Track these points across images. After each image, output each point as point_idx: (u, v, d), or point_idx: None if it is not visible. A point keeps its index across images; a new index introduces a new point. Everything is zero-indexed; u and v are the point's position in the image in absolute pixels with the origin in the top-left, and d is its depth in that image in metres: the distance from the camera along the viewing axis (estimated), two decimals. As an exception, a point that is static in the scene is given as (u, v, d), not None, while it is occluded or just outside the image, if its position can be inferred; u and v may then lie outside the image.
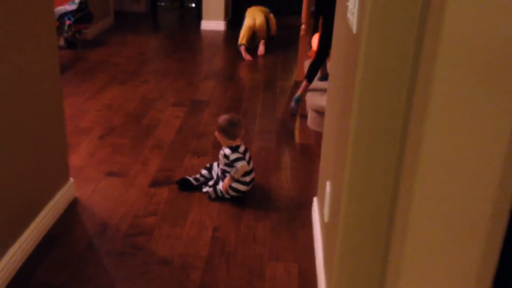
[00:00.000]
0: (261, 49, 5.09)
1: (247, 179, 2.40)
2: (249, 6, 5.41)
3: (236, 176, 2.36)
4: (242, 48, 4.93)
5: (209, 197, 2.39)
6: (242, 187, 2.38)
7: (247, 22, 5.07)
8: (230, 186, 2.36)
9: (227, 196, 2.38)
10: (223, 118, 2.42)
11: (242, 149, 2.41)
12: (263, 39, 5.14)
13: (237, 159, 2.36)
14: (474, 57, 1.02)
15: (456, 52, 1.03)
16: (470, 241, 1.20)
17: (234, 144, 2.41)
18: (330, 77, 2.05)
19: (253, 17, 5.14)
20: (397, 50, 1.26)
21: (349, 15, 1.47)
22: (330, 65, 2.09)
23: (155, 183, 2.51)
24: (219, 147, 2.81)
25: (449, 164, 1.13)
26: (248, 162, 2.42)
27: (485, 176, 1.13)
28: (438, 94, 1.08)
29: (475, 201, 1.15)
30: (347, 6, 1.52)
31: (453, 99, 1.06)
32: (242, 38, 4.99)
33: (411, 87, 1.25)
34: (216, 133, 2.44)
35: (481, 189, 1.14)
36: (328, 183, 1.77)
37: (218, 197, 2.39)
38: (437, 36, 1.05)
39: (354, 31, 1.38)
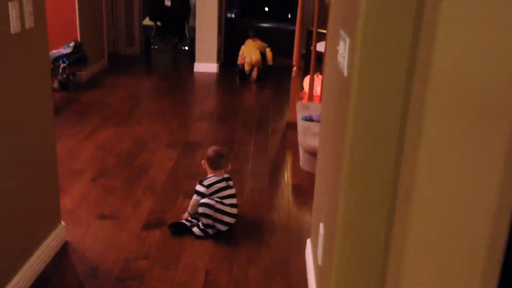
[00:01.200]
0: (254, 74, 5.60)
1: (225, 217, 2.41)
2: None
3: (189, 210, 2.48)
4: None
5: (196, 236, 2.38)
6: (220, 225, 2.41)
7: (243, 59, 5.60)
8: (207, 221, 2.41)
9: (210, 232, 2.40)
10: (212, 149, 2.56)
11: (212, 180, 2.46)
12: (258, 68, 5.63)
13: (195, 191, 2.48)
14: (463, 96, 1.04)
15: (445, 92, 1.05)
16: (470, 261, 1.18)
17: (216, 174, 2.48)
18: (321, 119, 2.07)
19: (250, 55, 5.56)
20: (388, 92, 1.28)
21: (339, 58, 1.51)
22: (321, 106, 2.12)
23: (147, 226, 2.49)
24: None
25: (442, 206, 1.14)
26: (224, 197, 2.44)
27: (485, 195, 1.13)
28: (429, 135, 1.09)
29: (473, 233, 1.15)
30: (337, 50, 1.55)
31: (445, 138, 1.08)
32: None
33: (402, 129, 1.27)
34: (202, 161, 2.57)
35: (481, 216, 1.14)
36: (321, 225, 1.76)
37: (205, 235, 2.38)
38: (426, 77, 1.07)
39: (345, 74, 1.41)
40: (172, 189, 2.90)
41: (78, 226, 2.46)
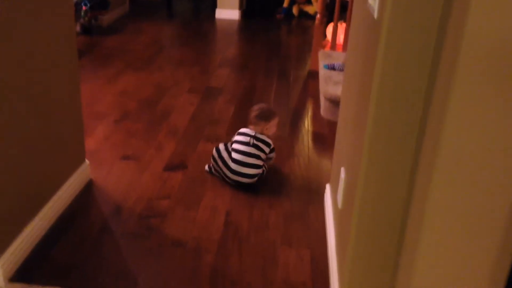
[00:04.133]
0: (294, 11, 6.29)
1: (225, 168, 2.40)
2: None
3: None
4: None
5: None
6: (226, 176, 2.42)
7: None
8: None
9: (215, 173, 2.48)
10: (258, 105, 2.59)
11: (240, 130, 2.48)
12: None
13: None
14: (497, 54, 1.01)
15: (479, 47, 1.01)
16: (487, 234, 1.19)
17: (250, 128, 2.48)
18: (347, 65, 2.04)
19: None
20: (420, 36, 1.24)
21: (369, 0, 1.46)
22: (347, 52, 2.09)
23: (169, 168, 2.53)
24: (233, 134, 2.81)
25: (469, 155, 1.12)
26: (235, 150, 2.39)
27: (505, 171, 1.12)
28: (460, 84, 1.05)
29: (493, 193, 1.14)
30: (367, -9, 1.51)
31: (476, 91, 1.05)
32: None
33: (433, 75, 1.24)
34: None
35: (500, 183, 1.12)
36: (342, 169, 1.77)
37: (210, 171, 2.51)
38: (461, 23, 1.04)
39: (375, 16, 1.37)
40: (194, 133, 2.92)
41: (102, 166, 2.51)
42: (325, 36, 4.44)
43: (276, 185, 2.45)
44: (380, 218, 1.46)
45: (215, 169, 2.45)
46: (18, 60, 1.73)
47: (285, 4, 6.27)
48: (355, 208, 1.47)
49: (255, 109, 2.50)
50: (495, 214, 1.16)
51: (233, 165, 2.35)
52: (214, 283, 1.79)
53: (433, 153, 1.17)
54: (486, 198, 1.15)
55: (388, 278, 1.53)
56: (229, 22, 5.82)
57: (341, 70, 3.53)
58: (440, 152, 1.13)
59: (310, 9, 6.24)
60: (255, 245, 2.00)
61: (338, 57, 3.84)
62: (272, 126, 2.50)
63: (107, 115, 3.10)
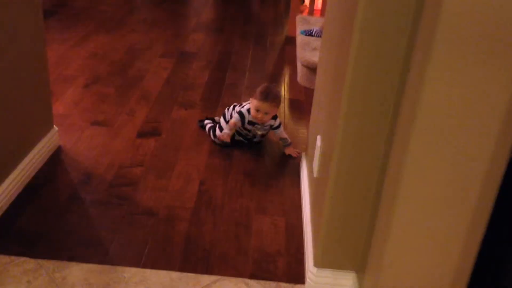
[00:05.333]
0: None
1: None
2: None
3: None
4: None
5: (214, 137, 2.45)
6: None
7: None
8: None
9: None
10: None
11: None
12: None
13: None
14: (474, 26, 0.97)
15: (457, 19, 0.98)
16: (460, 200, 1.19)
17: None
18: (325, 31, 1.98)
19: None
20: (400, 0, 1.20)
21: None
22: (325, 18, 2.02)
23: (141, 134, 2.46)
24: (207, 100, 2.75)
25: (444, 123, 1.10)
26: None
27: (482, 135, 1.10)
28: (438, 52, 1.03)
29: (469, 157, 1.13)
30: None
31: (453, 59, 1.03)
32: None
33: (412, 41, 1.21)
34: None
35: (476, 150, 1.12)
36: (318, 138, 1.73)
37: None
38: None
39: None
40: (167, 99, 2.84)
41: (71, 132, 2.43)
42: (303, 1, 4.35)
43: (251, 153, 2.41)
44: (356, 187, 1.45)
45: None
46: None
47: None
48: (330, 176, 1.45)
49: (260, 87, 2.33)
50: (470, 179, 1.16)
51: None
52: (187, 252, 1.76)
53: (410, 121, 1.15)
54: (461, 163, 1.14)
55: (362, 246, 1.53)
56: (205, -16, 5.64)
57: (319, 36, 3.47)
58: (417, 119, 1.11)
59: None
60: (229, 214, 1.97)
61: (316, 23, 3.77)
62: (270, 113, 2.34)
63: (77, 79, 2.99)
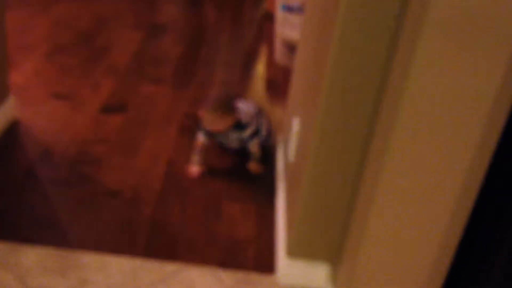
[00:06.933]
0: None
1: None
2: None
3: None
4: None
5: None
6: None
7: None
8: None
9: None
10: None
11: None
12: None
13: None
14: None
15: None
16: (443, 190, 1.17)
17: None
18: (306, 6, 1.88)
19: None
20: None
21: None
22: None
23: (106, 109, 2.32)
24: (179, 75, 2.62)
25: (429, 108, 1.06)
26: None
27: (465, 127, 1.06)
28: (426, 30, 0.97)
29: (452, 153, 1.10)
30: None
31: (440, 40, 0.98)
32: None
33: (400, 17, 1.13)
34: None
35: (459, 142, 1.09)
36: (296, 120, 1.64)
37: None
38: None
39: None
40: (136, 73, 2.70)
41: (31, 104, 2.27)
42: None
43: (223, 133, 2.31)
44: (334, 172, 1.38)
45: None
46: None
47: None
48: (308, 160, 1.37)
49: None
50: (452, 170, 1.13)
51: None
52: (152, 236, 1.66)
53: (393, 108, 1.10)
54: (443, 154, 1.11)
55: (338, 235, 1.47)
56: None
57: (300, 11, 3.35)
58: (400, 106, 1.06)
59: None
60: (198, 198, 1.87)
61: (295, -1, 3.65)
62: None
63: (38, 48, 2.81)
